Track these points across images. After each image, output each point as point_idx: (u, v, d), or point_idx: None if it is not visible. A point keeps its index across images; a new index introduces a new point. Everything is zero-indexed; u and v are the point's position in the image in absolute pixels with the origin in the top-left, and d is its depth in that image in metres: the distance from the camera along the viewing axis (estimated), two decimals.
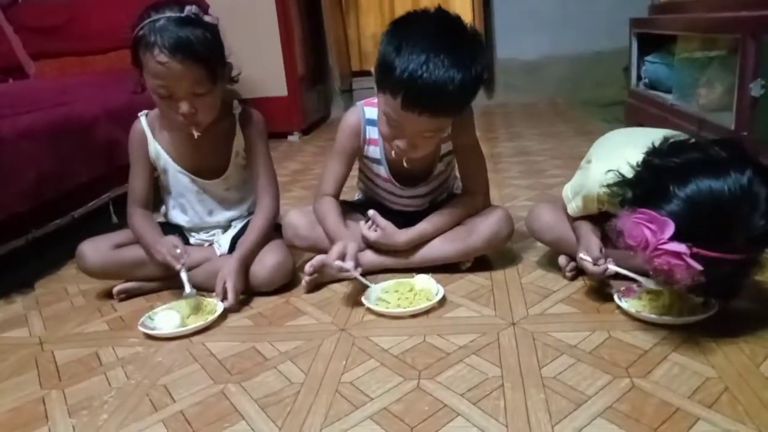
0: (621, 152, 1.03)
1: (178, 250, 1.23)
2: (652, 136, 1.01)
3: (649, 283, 1.07)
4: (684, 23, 2.30)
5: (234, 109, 1.36)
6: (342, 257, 1.19)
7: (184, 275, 1.22)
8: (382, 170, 1.35)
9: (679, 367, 0.91)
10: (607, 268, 1.09)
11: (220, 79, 1.25)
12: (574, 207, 1.19)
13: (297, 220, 1.37)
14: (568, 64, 3.89)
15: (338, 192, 1.37)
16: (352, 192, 1.55)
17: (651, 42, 2.68)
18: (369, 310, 1.19)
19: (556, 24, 3.82)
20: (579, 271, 1.24)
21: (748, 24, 1.70)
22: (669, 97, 2.39)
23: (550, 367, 0.94)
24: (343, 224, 1.31)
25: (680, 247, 0.84)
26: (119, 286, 1.35)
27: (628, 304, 1.07)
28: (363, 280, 1.20)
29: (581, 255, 1.12)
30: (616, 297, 1.10)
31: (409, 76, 1.07)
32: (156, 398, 0.96)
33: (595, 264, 1.10)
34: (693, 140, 0.98)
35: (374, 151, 1.34)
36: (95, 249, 1.33)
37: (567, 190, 1.21)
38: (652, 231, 0.85)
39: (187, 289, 1.21)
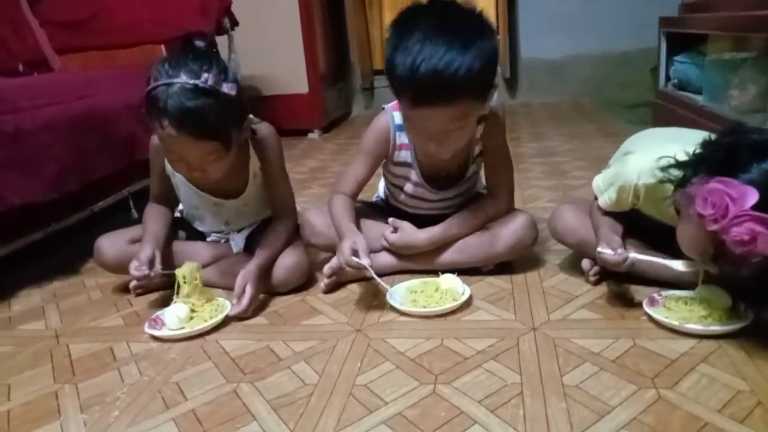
0: (665, 147, 0.98)
1: (145, 271, 1.20)
2: (694, 134, 0.96)
3: (677, 265, 1.02)
4: (716, 22, 2.24)
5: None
6: (355, 253, 1.14)
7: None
8: (414, 174, 1.31)
9: (708, 378, 0.87)
10: (627, 257, 1.04)
11: (235, 143, 1.18)
12: (606, 198, 1.14)
13: (314, 219, 1.35)
14: (593, 64, 3.82)
15: (356, 193, 1.34)
16: (370, 191, 1.52)
17: (680, 42, 2.61)
18: (393, 308, 1.17)
19: (581, 24, 3.76)
20: (603, 276, 1.20)
21: None
22: (699, 99, 2.32)
23: (571, 375, 0.90)
24: (355, 223, 1.28)
25: (766, 215, 0.79)
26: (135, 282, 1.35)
27: (656, 312, 1.03)
28: (379, 280, 1.17)
29: (600, 248, 1.08)
30: (644, 303, 1.06)
31: (409, 71, 1.03)
32: (168, 396, 0.95)
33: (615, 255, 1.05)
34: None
35: (405, 155, 1.30)
36: (112, 244, 1.33)
37: (599, 181, 1.16)
38: (733, 198, 0.80)
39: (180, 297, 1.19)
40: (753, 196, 0.80)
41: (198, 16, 2.50)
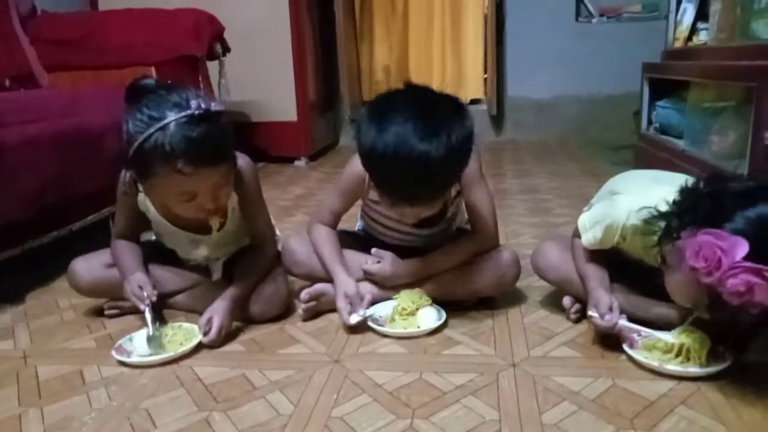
0: (652, 189, 0.99)
1: (145, 292, 1.18)
2: (678, 177, 0.98)
3: (668, 337, 1.02)
4: (697, 70, 2.30)
5: None
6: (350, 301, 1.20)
7: (148, 316, 1.16)
8: (391, 213, 1.30)
9: (686, 421, 0.86)
10: (616, 323, 1.05)
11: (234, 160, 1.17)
12: (590, 237, 1.13)
13: (296, 246, 1.33)
14: (579, 105, 3.90)
15: (335, 224, 1.34)
16: (352, 220, 1.52)
17: (663, 87, 2.68)
18: (373, 330, 1.19)
19: (568, 65, 3.85)
20: (583, 314, 1.20)
21: (763, 73, 1.68)
22: (680, 143, 2.37)
23: (550, 414, 0.89)
24: (340, 256, 1.28)
25: (760, 266, 0.79)
26: (110, 302, 1.32)
27: (636, 353, 1.03)
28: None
29: (590, 312, 1.08)
30: (624, 343, 1.06)
31: (386, 184, 1.09)
32: (137, 423, 0.92)
33: (604, 321, 1.05)
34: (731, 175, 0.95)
35: (377, 196, 1.30)
36: (87, 267, 1.30)
37: (584, 219, 1.16)
38: (723, 250, 0.81)
39: (150, 331, 1.15)
40: (743, 247, 0.80)
41: (190, 40, 2.52)
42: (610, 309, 1.06)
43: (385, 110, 1.06)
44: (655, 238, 0.95)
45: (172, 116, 1.03)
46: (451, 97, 1.11)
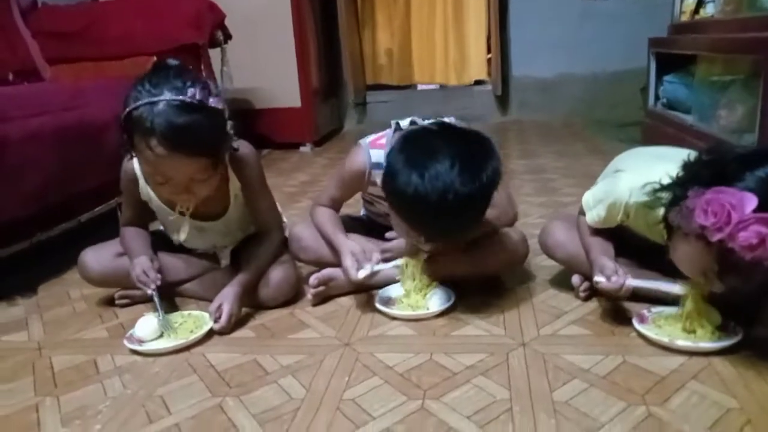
0: (655, 165, 0.98)
1: (151, 274, 1.19)
2: (682, 153, 0.97)
3: (676, 289, 1.01)
4: (704, 43, 2.27)
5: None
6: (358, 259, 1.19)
7: (156, 300, 1.17)
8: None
9: (698, 396, 0.86)
10: (624, 283, 1.04)
11: (222, 161, 1.16)
12: (594, 215, 1.13)
13: (302, 233, 1.34)
14: (584, 83, 3.86)
15: (336, 210, 1.35)
16: (357, 204, 1.51)
17: (670, 62, 2.64)
18: (382, 313, 1.20)
19: (572, 43, 3.80)
20: (593, 292, 1.20)
21: None
22: (688, 118, 2.35)
23: (561, 391, 0.89)
24: (343, 230, 1.29)
25: None
26: (121, 291, 1.33)
27: (646, 329, 1.03)
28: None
29: (596, 278, 1.07)
30: (634, 320, 1.06)
31: (424, 225, 1.07)
32: (151, 410, 0.93)
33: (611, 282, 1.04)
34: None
35: (379, 191, 1.27)
36: (96, 257, 1.31)
37: (588, 198, 1.16)
38: (733, 205, 0.80)
39: (160, 315, 1.16)
40: (752, 201, 0.79)
41: (191, 29, 2.51)
42: (616, 273, 1.05)
43: (423, 153, 1.05)
44: (660, 212, 0.95)
45: (166, 96, 1.05)
46: (480, 134, 1.11)
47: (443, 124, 1.15)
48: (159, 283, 1.20)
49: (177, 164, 1.07)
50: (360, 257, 1.20)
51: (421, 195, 1.02)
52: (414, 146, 1.08)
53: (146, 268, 1.21)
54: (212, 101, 1.08)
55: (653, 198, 0.95)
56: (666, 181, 0.93)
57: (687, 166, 0.92)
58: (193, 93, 1.05)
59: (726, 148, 0.91)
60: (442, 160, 1.02)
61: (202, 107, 1.07)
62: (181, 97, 1.05)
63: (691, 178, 0.89)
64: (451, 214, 1.03)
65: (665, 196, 0.93)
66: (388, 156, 1.10)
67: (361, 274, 1.18)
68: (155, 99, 1.04)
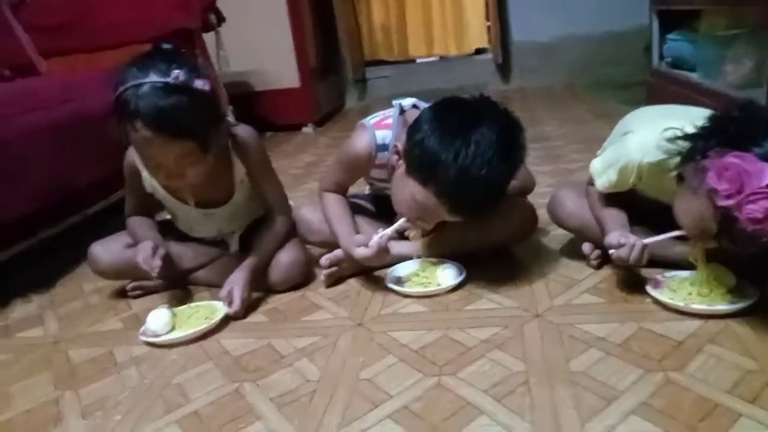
0: (663, 123, 0.96)
1: (155, 261, 1.18)
2: (692, 111, 0.94)
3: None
4: None
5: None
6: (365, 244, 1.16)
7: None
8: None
9: (715, 359, 0.86)
10: (642, 247, 1.00)
11: (213, 145, 1.13)
12: (605, 180, 1.10)
13: (310, 215, 1.33)
14: (584, 44, 3.79)
15: (343, 194, 1.32)
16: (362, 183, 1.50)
17: (673, 19, 2.58)
18: (394, 291, 1.20)
19: (572, 3, 3.72)
20: (605, 259, 1.18)
21: None
22: (694, 76, 2.30)
23: (577, 361, 0.89)
24: (353, 225, 1.26)
25: None
26: (133, 283, 1.34)
27: (660, 294, 1.02)
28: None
29: (612, 251, 1.03)
30: (648, 285, 1.05)
31: (455, 196, 1.03)
32: (170, 398, 0.94)
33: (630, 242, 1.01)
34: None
35: (381, 173, 1.27)
36: (105, 250, 1.31)
37: (596, 164, 1.13)
38: (749, 174, 0.78)
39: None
40: None
41: (181, 13, 2.46)
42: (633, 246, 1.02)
43: (464, 124, 1.03)
44: (674, 166, 0.93)
45: (151, 78, 1.04)
46: (508, 111, 1.10)
47: (478, 95, 1.12)
48: (159, 262, 1.18)
49: (163, 147, 1.07)
50: (363, 241, 1.18)
51: (463, 163, 1.00)
52: (450, 115, 1.06)
53: (147, 252, 1.19)
54: (198, 83, 1.07)
55: (671, 143, 0.93)
56: (689, 129, 0.90)
57: (714, 118, 0.89)
58: (176, 75, 1.05)
59: (758, 108, 0.89)
60: (487, 132, 1.02)
61: (185, 89, 1.06)
62: (164, 79, 1.04)
63: (716, 131, 0.87)
64: (487, 185, 1.02)
65: (684, 145, 0.91)
66: (419, 122, 1.07)
67: (373, 241, 1.15)
68: (140, 81, 1.04)
